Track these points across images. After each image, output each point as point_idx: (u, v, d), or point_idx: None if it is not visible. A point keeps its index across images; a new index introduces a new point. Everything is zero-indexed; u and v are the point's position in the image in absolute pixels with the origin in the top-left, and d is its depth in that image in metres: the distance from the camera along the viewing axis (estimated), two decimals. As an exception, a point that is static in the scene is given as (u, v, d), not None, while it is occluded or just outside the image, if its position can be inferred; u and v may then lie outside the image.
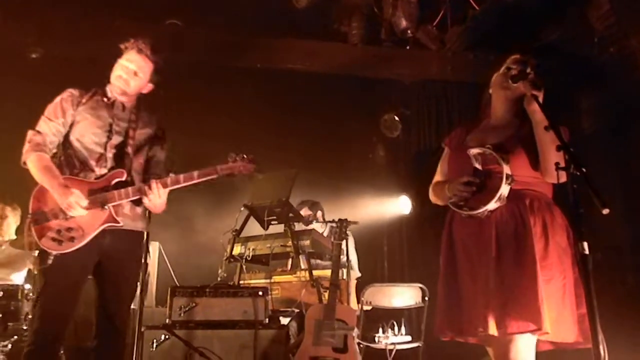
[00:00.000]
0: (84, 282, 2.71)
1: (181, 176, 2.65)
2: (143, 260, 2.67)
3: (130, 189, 2.63)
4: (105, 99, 2.81)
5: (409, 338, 4.12)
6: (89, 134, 2.73)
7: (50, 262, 2.56)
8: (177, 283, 4.41)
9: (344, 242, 3.77)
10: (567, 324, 2.17)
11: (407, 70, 5.92)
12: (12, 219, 4.77)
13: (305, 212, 4.78)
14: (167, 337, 3.35)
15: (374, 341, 4.02)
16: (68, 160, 2.72)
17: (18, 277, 4.61)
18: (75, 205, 2.56)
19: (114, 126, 2.76)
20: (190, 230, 5.49)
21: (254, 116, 5.65)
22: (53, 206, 2.61)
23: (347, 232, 4.77)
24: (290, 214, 4.07)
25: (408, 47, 5.69)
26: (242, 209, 4.21)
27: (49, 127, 2.73)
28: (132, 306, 2.93)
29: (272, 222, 4.17)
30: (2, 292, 3.94)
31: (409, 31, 5.33)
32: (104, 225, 2.62)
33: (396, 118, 6.27)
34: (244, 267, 4.09)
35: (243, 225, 4.26)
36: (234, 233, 4.21)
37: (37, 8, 5.13)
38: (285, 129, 5.81)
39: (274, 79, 5.87)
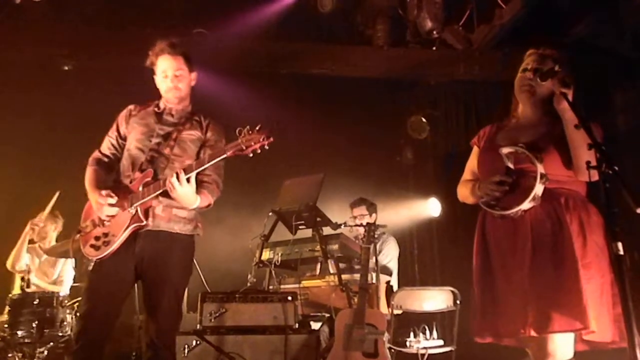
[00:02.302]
0: (124, 288, 2.72)
1: (193, 163, 2.62)
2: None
3: (152, 186, 2.63)
4: (156, 109, 2.89)
5: (441, 342, 4.06)
6: (134, 141, 2.81)
7: (90, 267, 2.69)
8: (207, 289, 4.45)
9: (372, 246, 3.74)
10: (605, 324, 2.13)
11: (433, 71, 5.87)
12: (51, 226, 4.82)
13: (359, 210, 4.75)
14: (198, 342, 3.38)
15: (406, 346, 3.97)
16: (118, 169, 2.84)
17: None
18: (103, 204, 2.65)
19: (157, 130, 2.81)
20: (219, 236, 5.53)
21: (280, 121, 5.66)
22: (95, 216, 2.74)
23: (390, 239, 4.77)
24: (318, 219, 4.06)
25: (434, 48, 5.64)
26: (270, 214, 4.22)
27: (105, 142, 2.93)
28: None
29: (300, 227, 4.17)
30: (38, 300, 4.04)
31: (434, 32, 5.28)
32: (132, 226, 2.63)
33: (423, 119, 6.22)
34: (273, 272, 4.10)
35: (271, 231, 4.27)
36: (262, 238, 4.22)
37: (70, 20, 5.26)
38: (312, 133, 5.81)
39: (300, 84, 5.89)
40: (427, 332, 4.06)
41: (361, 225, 3.83)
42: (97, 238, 2.68)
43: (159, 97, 2.93)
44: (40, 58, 5.36)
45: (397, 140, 6.64)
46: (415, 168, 6.63)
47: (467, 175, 2.61)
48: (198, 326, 3.47)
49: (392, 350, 3.80)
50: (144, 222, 2.65)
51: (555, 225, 2.19)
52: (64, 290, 4.65)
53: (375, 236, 3.74)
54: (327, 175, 4.23)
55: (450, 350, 3.96)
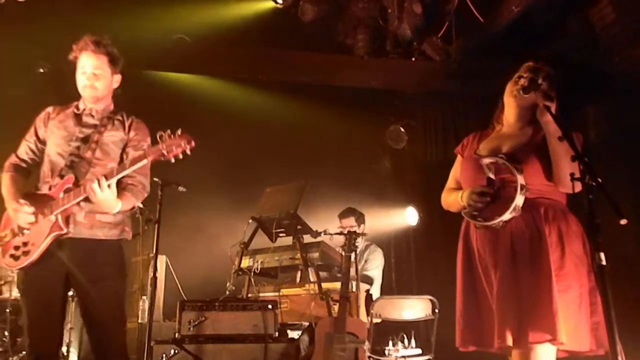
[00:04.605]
0: (57, 297, 2.60)
1: (115, 169, 2.55)
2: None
3: (72, 192, 2.54)
4: (76, 110, 2.79)
5: (419, 351, 4.08)
6: (54, 145, 2.71)
7: (10, 278, 2.61)
8: (184, 297, 4.40)
9: (353, 254, 3.75)
10: (584, 333, 2.16)
11: (412, 81, 5.93)
12: None
13: (348, 222, 4.74)
14: (176, 351, 3.34)
15: (384, 354, 3.98)
16: (38, 175, 2.73)
17: None
18: (20, 212, 2.55)
19: (77, 134, 2.71)
20: (197, 244, 5.48)
21: (260, 129, 5.67)
22: (14, 225, 2.63)
23: (378, 250, 4.78)
24: (299, 226, 4.06)
25: (413, 59, 5.70)
26: (250, 221, 4.20)
27: (23, 147, 2.80)
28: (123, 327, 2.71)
29: (281, 235, 4.16)
30: (10, 308, 3.94)
31: (414, 43, 5.35)
32: (52, 235, 2.53)
33: (402, 129, 6.28)
34: (252, 280, 4.07)
35: (251, 238, 4.25)
36: (242, 246, 4.20)
37: (45, 23, 5.17)
38: (291, 141, 5.82)
39: (279, 92, 5.89)
40: (406, 340, 4.08)
41: (342, 233, 3.84)
42: (16, 248, 2.58)
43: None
44: (15, 58, 5.25)
45: (376, 150, 6.69)
46: (393, 177, 6.68)
47: (451, 183, 2.64)
48: (176, 335, 3.43)
49: (372, 359, 3.81)
50: (65, 230, 2.55)
51: (534, 236, 2.23)
52: None
53: (363, 245, 3.75)
54: (306, 183, 4.24)
55: (428, 359, 3.99)
